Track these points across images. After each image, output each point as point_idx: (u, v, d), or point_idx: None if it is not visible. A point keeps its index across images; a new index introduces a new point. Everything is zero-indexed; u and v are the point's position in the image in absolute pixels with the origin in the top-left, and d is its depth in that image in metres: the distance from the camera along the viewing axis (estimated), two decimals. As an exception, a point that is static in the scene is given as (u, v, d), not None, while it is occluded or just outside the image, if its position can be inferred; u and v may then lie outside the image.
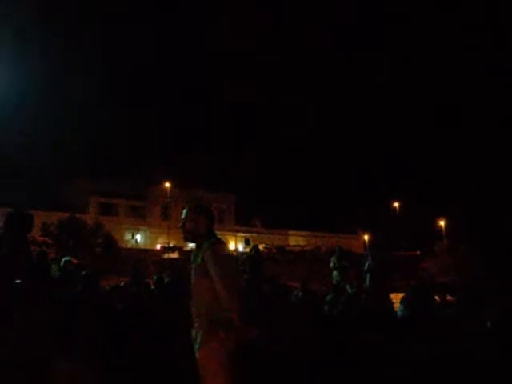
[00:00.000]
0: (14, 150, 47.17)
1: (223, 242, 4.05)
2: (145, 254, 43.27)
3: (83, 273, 7.69)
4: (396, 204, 63.33)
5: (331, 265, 12.89)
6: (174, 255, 43.51)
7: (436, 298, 8.97)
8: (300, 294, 8.61)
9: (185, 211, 4.14)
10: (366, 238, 57.22)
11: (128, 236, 56.08)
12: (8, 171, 44.06)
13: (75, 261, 8.99)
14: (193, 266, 3.99)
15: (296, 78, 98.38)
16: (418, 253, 51.08)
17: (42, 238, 33.69)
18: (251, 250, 14.30)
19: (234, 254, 48.58)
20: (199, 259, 3.93)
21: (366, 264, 12.10)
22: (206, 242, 3.95)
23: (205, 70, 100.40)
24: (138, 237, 57.40)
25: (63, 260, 7.86)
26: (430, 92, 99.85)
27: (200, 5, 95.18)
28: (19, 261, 7.12)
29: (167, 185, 56.78)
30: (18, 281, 6.37)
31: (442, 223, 58.06)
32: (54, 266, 8.02)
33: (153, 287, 8.11)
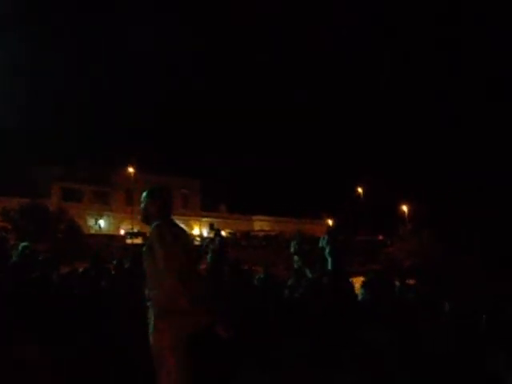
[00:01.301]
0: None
1: (173, 223, 4.03)
2: (108, 239, 42.88)
3: (40, 258, 7.59)
4: (360, 189, 63.94)
5: (292, 250, 12.91)
6: (138, 241, 43.13)
7: (396, 282, 9.10)
8: (262, 277, 8.62)
9: (142, 195, 4.18)
10: (330, 222, 57.73)
11: (91, 222, 55.49)
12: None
13: (34, 247, 8.82)
14: (144, 248, 3.98)
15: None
16: (381, 237, 51.74)
17: (1, 224, 33.08)
18: (214, 235, 14.33)
19: (198, 238, 48.54)
20: (147, 241, 3.94)
21: (326, 247, 12.19)
22: (154, 223, 3.95)
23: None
24: (102, 222, 56.83)
25: (21, 245, 7.71)
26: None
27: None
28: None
29: (131, 170, 56.21)
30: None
31: (404, 208, 58.82)
32: (13, 251, 7.89)
33: (113, 272, 8.03)
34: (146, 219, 4.09)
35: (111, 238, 44.73)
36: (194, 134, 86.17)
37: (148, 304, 3.87)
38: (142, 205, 4.12)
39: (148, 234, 4.06)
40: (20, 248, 7.55)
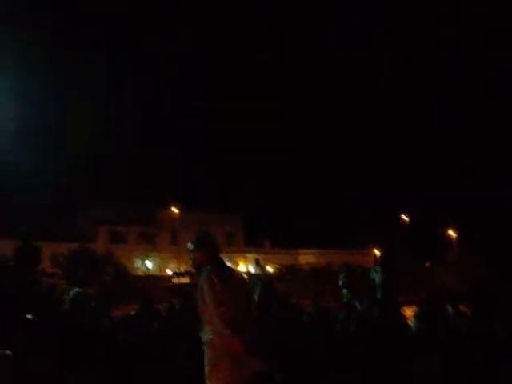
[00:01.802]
0: (20, 182, 47.34)
1: (223, 265, 4.09)
2: (156, 280, 43.18)
3: (93, 304, 7.67)
4: (404, 217, 63.04)
5: (340, 282, 12.73)
6: (185, 280, 43.31)
7: (449, 308, 8.88)
8: (311, 311, 8.53)
9: (188, 244, 4.36)
10: (377, 252, 56.96)
11: (138, 263, 56.02)
12: (16, 203, 44.18)
13: (85, 292, 8.94)
14: (197, 293, 4.04)
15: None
16: (429, 264, 50.78)
17: (52, 270, 33.72)
18: (260, 271, 14.31)
19: (244, 275, 48.08)
20: (198, 286, 4.00)
21: (376, 279, 11.97)
22: (203, 269, 4.02)
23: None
24: (148, 263, 57.32)
25: (72, 292, 7.81)
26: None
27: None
28: (29, 295, 7.13)
29: (175, 210, 56.78)
30: (28, 316, 6.36)
31: (452, 233, 57.75)
32: (65, 297, 7.99)
33: (163, 314, 8.06)
34: (197, 267, 4.20)
35: (158, 279, 45.03)
36: (235, 170, 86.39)
37: (203, 348, 3.89)
38: (191, 254, 4.29)
39: (199, 280, 4.13)
40: (71, 295, 7.65)
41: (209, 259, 4.12)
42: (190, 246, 4.32)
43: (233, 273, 4.21)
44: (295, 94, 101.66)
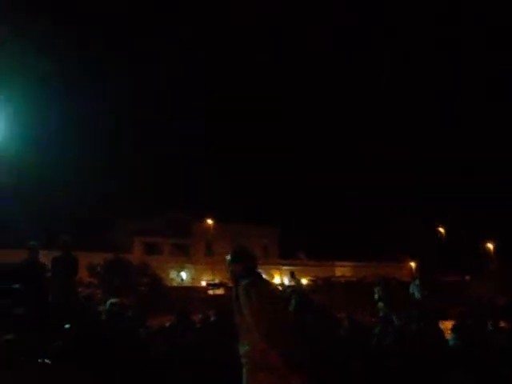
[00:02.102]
0: (55, 193, 48.05)
1: (261, 279, 4.13)
2: (190, 291, 43.33)
3: (129, 314, 7.75)
4: (441, 228, 62.17)
5: (376, 296, 12.63)
6: (220, 291, 43.42)
7: (489, 324, 8.71)
8: (347, 324, 8.47)
9: (227, 258, 4.42)
10: (413, 265, 56.21)
11: (173, 274, 56.36)
12: (52, 213, 44.83)
13: (120, 302, 9.04)
14: (234, 306, 4.08)
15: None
16: (468, 277, 49.90)
17: (88, 279, 34.10)
18: (295, 284, 14.25)
19: (279, 287, 48.07)
20: (234, 298, 4.05)
21: (415, 293, 11.83)
22: (241, 281, 4.06)
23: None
24: (183, 274, 57.64)
25: (109, 302, 7.90)
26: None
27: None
28: (68, 305, 7.26)
29: (209, 221, 57.05)
30: (67, 325, 6.47)
31: (490, 246, 56.70)
32: (101, 307, 8.10)
33: (198, 325, 8.10)
34: (236, 281, 4.25)
35: (193, 290, 45.19)
36: (269, 182, 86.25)
37: (242, 361, 3.91)
38: (229, 268, 4.34)
39: (237, 292, 4.17)
40: (108, 305, 7.74)
41: (246, 272, 4.17)
42: (228, 260, 4.39)
43: (270, 286, 4.25)
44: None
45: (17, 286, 6.91)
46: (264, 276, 4.61)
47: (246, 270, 4.19)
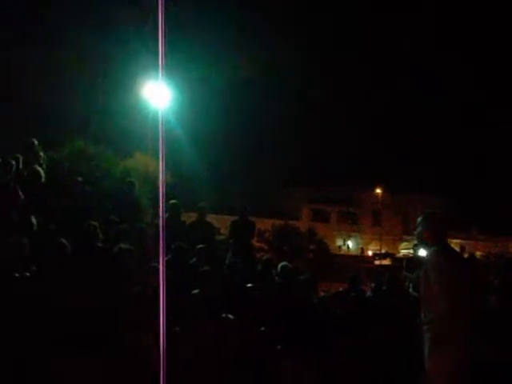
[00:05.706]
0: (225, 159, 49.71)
1: (450, 249, 4.04)
2: (356, 260, 43.34)
3: (302, 277, 7.98)
4: None
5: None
6: (386, 262, 42.93)
7: None
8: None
9: (418, 219, 4.29)
10: None
11: (339, 242, 56.66)
12: (227, 179, 46.56)
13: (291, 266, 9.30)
14: (420, 273, 4.05)
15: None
16: None
17: (258, 244, 35.36)
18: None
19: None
20: (424, 266, 4.00)
21: None
22: (429, 249, 4.00)
23: None
24: (350, 243, 57.73)
25: (280, 265, 8.13)
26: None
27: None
28: (246, 266, 7.67)
29: (378, 191, 56.25)
30: (249, 285, 6.84)
31: None
32: (272, 271, 8.40)
33: (369, 294, 8.11)
34: (421, 244, 4.18)
35: (359, 259, 45.15)
36: (441, 153, 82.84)
37: (424, 328, 3.91)
38: (418, 229, 4.21)
39: (425, 259, 4.12)
40: (280, 267, 8.01)
41: (437, 239, 4.07)
42: (419, 220, 4.26)
43: (458, 255, 4.14)
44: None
45: (201, 245, 7.38)
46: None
47: (436, 236, 4.07)
